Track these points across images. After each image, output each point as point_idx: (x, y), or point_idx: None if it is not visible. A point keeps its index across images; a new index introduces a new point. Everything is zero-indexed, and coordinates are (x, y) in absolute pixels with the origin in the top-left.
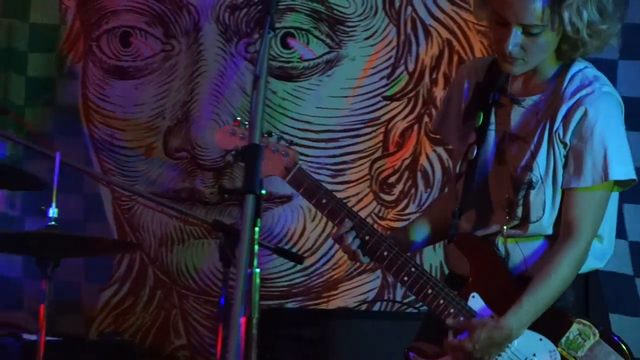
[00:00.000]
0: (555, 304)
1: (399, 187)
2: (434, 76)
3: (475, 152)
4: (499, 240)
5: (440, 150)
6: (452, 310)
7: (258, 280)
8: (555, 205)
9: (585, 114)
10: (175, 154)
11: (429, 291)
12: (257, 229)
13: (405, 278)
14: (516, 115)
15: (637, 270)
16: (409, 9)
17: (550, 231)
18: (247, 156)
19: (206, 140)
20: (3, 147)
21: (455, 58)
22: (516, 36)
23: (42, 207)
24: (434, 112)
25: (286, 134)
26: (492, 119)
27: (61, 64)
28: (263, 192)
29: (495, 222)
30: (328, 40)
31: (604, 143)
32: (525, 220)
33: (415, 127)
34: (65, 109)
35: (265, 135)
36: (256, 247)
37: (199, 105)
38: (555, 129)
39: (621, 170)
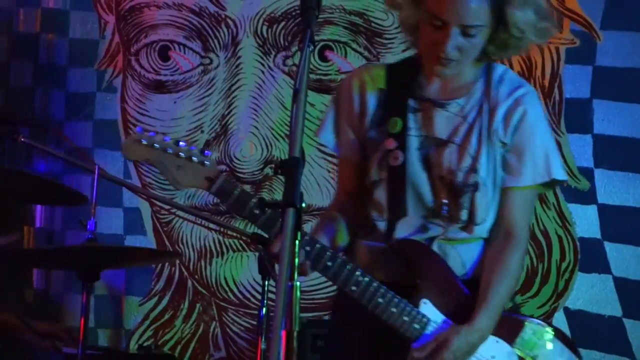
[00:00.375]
0: None
1: None
2: None
3: (401, 158)
4: (436, 245)
5: None
6: (405, 319)
7: (298, 293)
8: (494, 206)
9: (525, 113)
10: None
11: (380, 300)
12: (297, 242)
13: (354, 288)
14: (441, 119)
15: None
16: None
17: (486, 233)
18: (287, 169)
19: (245, 153)
20: (43, 162)
21: None
22: (456, 37)
23: (82, 221)
24: None
25: (325, 147)
26: (411, 124)
27: (100, 79)
28: (303, 205)
29: (433, 226)
30: (366, 53)
31: (545, 143)
32: (471, 222)
33: None
34: (105, 124)
35: (181, 143)
36: (297, 260)
37: (237, 119)
38: (494, 129)
39: (560, 170)
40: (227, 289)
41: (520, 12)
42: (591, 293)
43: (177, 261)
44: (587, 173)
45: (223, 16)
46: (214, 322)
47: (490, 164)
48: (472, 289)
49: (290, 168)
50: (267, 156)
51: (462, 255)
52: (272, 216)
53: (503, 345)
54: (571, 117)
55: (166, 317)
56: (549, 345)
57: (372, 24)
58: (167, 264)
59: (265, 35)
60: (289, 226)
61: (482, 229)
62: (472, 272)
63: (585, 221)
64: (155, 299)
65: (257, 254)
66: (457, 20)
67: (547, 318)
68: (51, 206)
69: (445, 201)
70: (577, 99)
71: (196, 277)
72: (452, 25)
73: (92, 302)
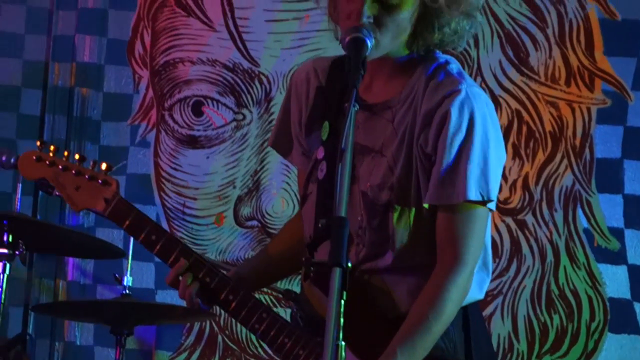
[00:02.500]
0: (439, 343)
1: None
2: None
3: (325, 170)
4: (363, 274)
5: (509, 220)
6: None
7: (344, 354)
8: (421, 229)
9: (445, 118)
10: (245, 222)
11: (285, 340)
12: (343, 301)
13: (257, 326)
14: (367, 123)
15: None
16: (479, 79)
17: (419, 261)
18: (333, 228)
19: (276, 210)
20: (75, 215)
21: (525, 128)
22: (369, 5)
23: (117, 276)
24: (504, 183)
25: None
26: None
27: (134, 133)
28: (349, 264)
29: (353, 252)
30: None
31: (467, 157)
32: (387, 247)
33: None
34: (138, 178)
35: (79, 161)
36: (341, 319)
37: (269, 175)
38: (416, 137)
39: (475, 189)
40: (257, 344)
41: None
42: (621, 354)
43: None
44: (618, 233)
45: (256, 72)
46: None
47: (412, 179)
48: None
49: (337, 227)
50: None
51: (392, 288)
52: (168, 242)
53: None
54: (602, 177)
55: None
56: None
57: None
58: None
59: None
60: (336, 286)
61: (404, 256)
62: (406, 307)
63: (615, 281)
64: (186, 354)
65: (289, 310)
66: None
67: None
68: (83, 259)
69: (358, 218)
70: (608, 159)
71: (226, 332)
72: None
73: (124, 356)
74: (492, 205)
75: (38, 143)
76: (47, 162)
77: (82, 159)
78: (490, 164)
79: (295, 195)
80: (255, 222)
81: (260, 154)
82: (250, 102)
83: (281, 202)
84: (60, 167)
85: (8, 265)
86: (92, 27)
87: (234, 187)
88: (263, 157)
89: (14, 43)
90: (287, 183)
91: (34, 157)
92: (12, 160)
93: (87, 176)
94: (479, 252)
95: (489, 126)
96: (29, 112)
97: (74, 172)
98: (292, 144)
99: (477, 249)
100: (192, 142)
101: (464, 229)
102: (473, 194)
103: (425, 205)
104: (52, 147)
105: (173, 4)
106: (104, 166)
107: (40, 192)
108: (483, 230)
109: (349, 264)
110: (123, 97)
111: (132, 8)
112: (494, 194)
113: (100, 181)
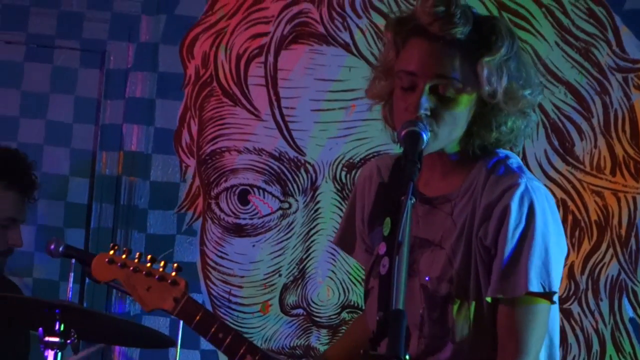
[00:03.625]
0: None
1: None
2: None
3: (387, 265)
4: None
5: None
6: None
7: None
8: (482, 322)
9: (505, 213)
10: (291, 310)
11: None
12: None
13: None
14: (427, 217)
15: None
16: None
17: (481, 356)
18: (391, 321)
19: (322, 298)
20: (122, 303)
21: (570, 218)
22: (427, 97)
23: None
24: None
25: None
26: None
27: (180, 222)
28: (407, 357)
29: (415, 345)
30: None
31: (535, 247)
32: (447, 339)
33: None
34: (184, 266)
35: (150, 262)
36: None
37: (315, 263)
38: (475, 230)
39: (537, 281)
40: None
41: (491, 70)
42: None
43: None
44: None
45: (302, 161)
46: None
47: (472, 272)
48: None
49: (394, 320)
50: (344, 301)
51: None
52: (235, 340)
53: None
54: None
55: None
56: None
57: None
58: None
59: (344, 180)
60: None
61: (463, 349)
62: None
63: None
64: None
65: None
66: (429, 70)
67: None
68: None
69: (420, 312)
70: None
71: None
72: (424, 81)
73: None
74: (554, 297)
75: (116, 245)
76: (119, 264)
77: (153, 260)
78: (551, 255)
79: (341, 283)
80: (300, 311)
81: (305, 242)
82: (296, 190)
83: (327, 291)
84: (131, 268)
85: (60, 354)
86: (140, 117)
87: (280, 276)
88: (309, 246)
89: (62, 132)
90: (333, 271)
91: (107, 260)
92: (61, 249)
93: (157, 277)
94: (539, 346)
95: (549, 219)
96: (76, 201)
97: (144, 273)
98: (355, 243)
99: (538, 342)
100: (238, 231)
101: (525, 323)
102: (535, 285)
103: (488, 299)
104: (125, 250)
105: (220, 93)
106: (174, 266)
107: (87, 280)
108: (545, 323)
109: (407, 357)
110: (170, 186)
111: (179, 97)
112: (555, 285)
113: (169, 281)
